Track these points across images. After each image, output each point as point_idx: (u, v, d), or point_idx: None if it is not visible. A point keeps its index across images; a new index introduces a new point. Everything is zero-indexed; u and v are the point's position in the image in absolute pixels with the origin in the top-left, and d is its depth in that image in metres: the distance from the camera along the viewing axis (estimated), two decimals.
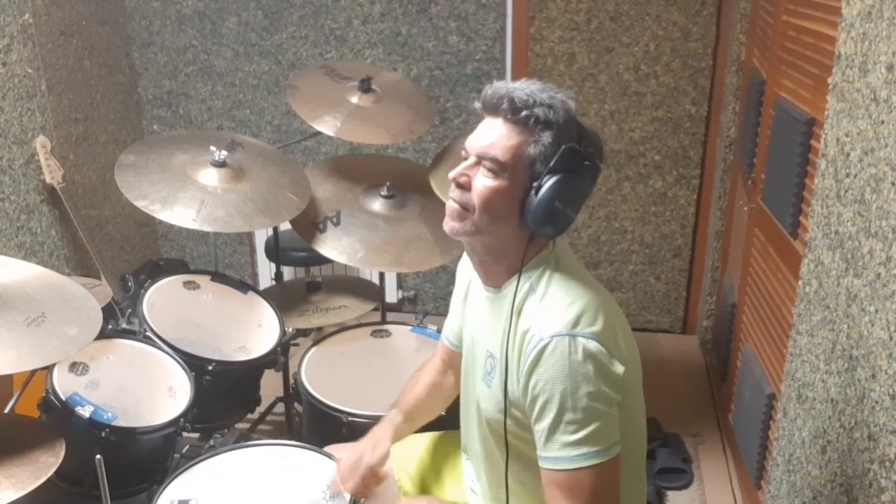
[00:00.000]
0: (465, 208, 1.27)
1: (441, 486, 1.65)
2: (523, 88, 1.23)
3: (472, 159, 1.27)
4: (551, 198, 1.21)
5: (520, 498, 1.39)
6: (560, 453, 1.20)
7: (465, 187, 1.27)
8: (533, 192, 1.23)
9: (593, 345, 1.19)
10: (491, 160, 1.24)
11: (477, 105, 1.29)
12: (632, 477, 1.37)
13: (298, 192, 2.28)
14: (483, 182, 1.25)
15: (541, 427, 1.22)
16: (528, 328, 1.24)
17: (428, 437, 1.72)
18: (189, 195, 2.10)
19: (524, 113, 1.22)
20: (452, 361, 1.64)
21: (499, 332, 1.31)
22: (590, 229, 3.32)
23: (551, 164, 1.22)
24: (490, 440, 1.41)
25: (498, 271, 1.32)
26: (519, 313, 1.27)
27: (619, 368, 1.21)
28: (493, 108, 1.26)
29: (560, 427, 1.19)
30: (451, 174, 1.28)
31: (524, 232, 1.27)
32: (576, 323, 1.20)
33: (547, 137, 1.22)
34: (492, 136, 1.25)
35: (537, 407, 1.22)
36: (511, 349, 1.27)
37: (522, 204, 1.24)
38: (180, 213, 2.05)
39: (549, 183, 1.21)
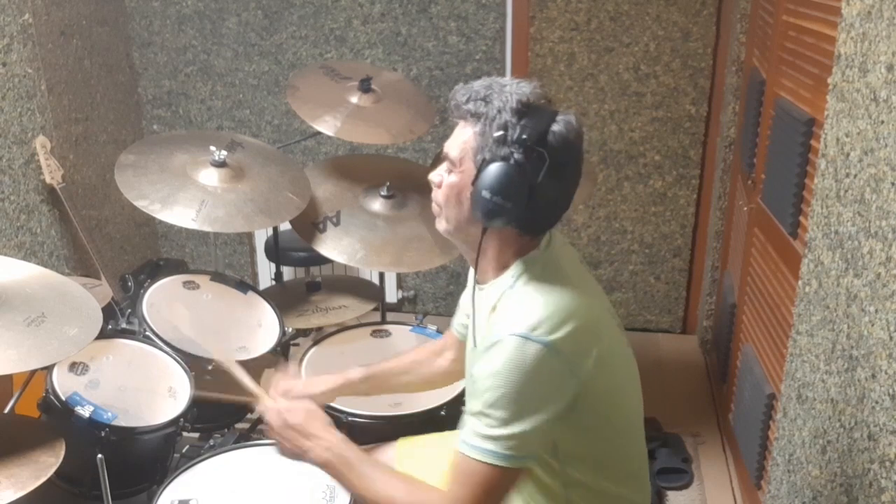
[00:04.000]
0: (440, 206, 1.33)
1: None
2: (470, 86, 1.27)
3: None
4: (479, 188, 1.21)
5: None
6: (472, 440, 1.21)
7: (439, 187, 1.33)
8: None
9: (545, 353, 1.17)
10: (445, 157, 1.30)
11: None
12: (630, 480, 1.37)
13: (298, 192, 2.28)
14: (444, 180, 1.31)
15: (467, 409, 1.24)
16: (495, 323, 1.25)
17: (430, 438, 1.72)
18: (189, 195, 2.10)
19: (464, 108, 1.26)
20: (457, 351, 1.65)
21: (481, 327, 1.31)
22: (590, 229, 3.32)
23: (484, 155, 1.23)
24: None
25: (485, 267, 1.34)
26: (494, 309, 1.28)
27: (572, 382, 1.20)
28: (452, 111, 1.31)
29: (483, 418, 1.20)
30: (429, 176, 1.34)
31: (495, 229, 1.26)
32: (535, 327, 1.18)
33: (487, 129, 1.23)
34: (453, 136, 1.30)
35: (472, 389, 1.24)
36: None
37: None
38: (180, 213, 2.05)
39: (481, 174, 1.22)
